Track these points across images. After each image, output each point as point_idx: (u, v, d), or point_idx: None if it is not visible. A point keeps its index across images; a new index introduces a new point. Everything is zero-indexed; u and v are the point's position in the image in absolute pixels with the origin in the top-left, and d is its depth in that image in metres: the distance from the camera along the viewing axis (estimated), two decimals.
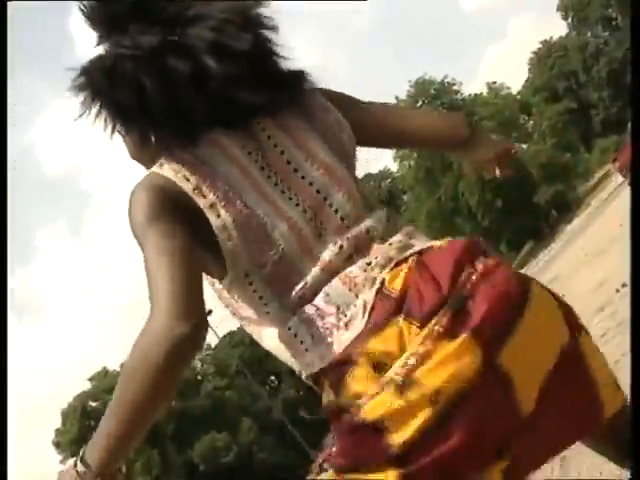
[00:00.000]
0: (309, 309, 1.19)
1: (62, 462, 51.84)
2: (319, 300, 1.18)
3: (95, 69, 1.23)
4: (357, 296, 1.16)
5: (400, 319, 1.10)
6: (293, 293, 1.20)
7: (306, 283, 1.20)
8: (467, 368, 1.05)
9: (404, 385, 1.05)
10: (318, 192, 1.25)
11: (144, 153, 1.32)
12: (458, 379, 1.04)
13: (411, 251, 1.19)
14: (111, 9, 1.26)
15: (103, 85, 1.21)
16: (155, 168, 1.23)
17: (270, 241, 1.20)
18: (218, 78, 1.21)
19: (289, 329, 1.19)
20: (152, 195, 1.19)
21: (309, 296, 1.19)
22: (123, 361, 1.36)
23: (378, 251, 1.20)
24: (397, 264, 1.17)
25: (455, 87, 46.76)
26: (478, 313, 1.08)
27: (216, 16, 1.23)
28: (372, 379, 1.08)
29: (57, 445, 51.93)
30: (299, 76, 1.32)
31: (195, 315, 1.08)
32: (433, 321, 1.07)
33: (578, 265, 12.59)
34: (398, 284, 1.13)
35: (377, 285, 1.15)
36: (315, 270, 1.20)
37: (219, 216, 1.18)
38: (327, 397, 1.16)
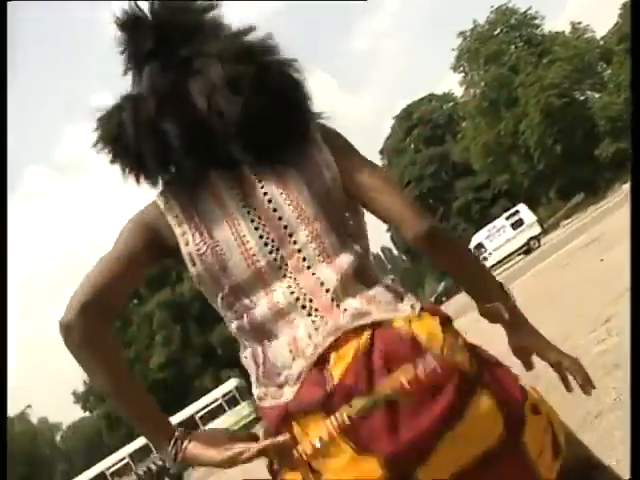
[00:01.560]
0: (256, 350, 1.26)
1: None
2: (270, 351, 1.25)
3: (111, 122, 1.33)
4: (294, 359, 1.22)
5: (321, 415, 1.16)
6: (245, 320, 1.27)
7: (255, 316, 1.27)
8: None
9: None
10: (285, 227, 1.30)
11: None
12: None
13: (362, 322, 1.20)
14: (132, 46, 1.34)
15: (125, 139, 1.31)
16: (151, 203, 1.37)
17: (226, 270, 1.28)
18: (225, 124, 1.29)
19: (245, 357, 1.29)
20: (137, 230, 1.35)
21: (259, 328, 1.26)
22: None
23: (328, 312, 1.23)
24: (345, 336, 1.19)
25: (537, 21, 44.65)
26: (400, 435, 1.12)
27: (226, 57, 1.31)
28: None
29: None
30: (304, 124, 1.36)
31: (72, 313, 1.24)
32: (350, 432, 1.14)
33: (626, 228, 12.33)
34: (337, 373, 1.17)
35: (314, 358, 1.20)
36: (263, 306, 1.26)
37: (187, 244, 1.30)
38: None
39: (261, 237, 1.30)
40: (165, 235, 1.32)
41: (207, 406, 31.52)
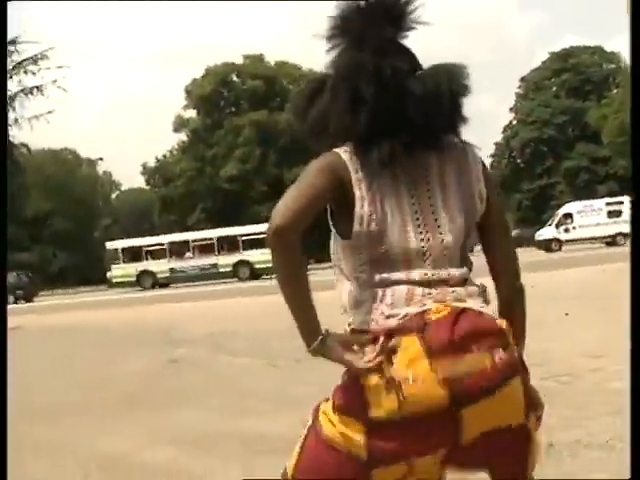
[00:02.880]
0: (377, 292, 1.61)
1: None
2: (388, 294, 1.59)
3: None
4: (407, 305, 1.55)
5: (417, 337, 1.52)
6: (377, 277, 1.62)
7: (390, 279, 1.61)
8: (436, 398, 1.48)
9: (392, 384, 1.51)
10: (438, 227, 1.60)
11: (328, 139, 1.65)
12: (426, 399, 1.49)
13: (461, 304, 1.56)
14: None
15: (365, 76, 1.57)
16: (339, 150, 1.63)
17: (383, 241, 1.61)
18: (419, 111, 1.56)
19: (369, 293, 1.62)
20: (328, 163, 1.60)
21: (386, 284, 1.61)
22: None
23: (442, 291, 1.59)
24: (445, 306, 1.56)
25: None
26: (469, 382, 1.48)
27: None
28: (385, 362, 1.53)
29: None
30: (457, 126, 1.63)
31: (284, 227, 1.53)
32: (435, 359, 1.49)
33: None
34: (434, 317, 1.52)
35: (422, 309, 1.55)
36: (400, 275, 1.60)
37: (362, 207, 1.59)
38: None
39: (418, 226, 1.59)
40: (345, 187, 1.57)
41: (254, 234, 32.73)
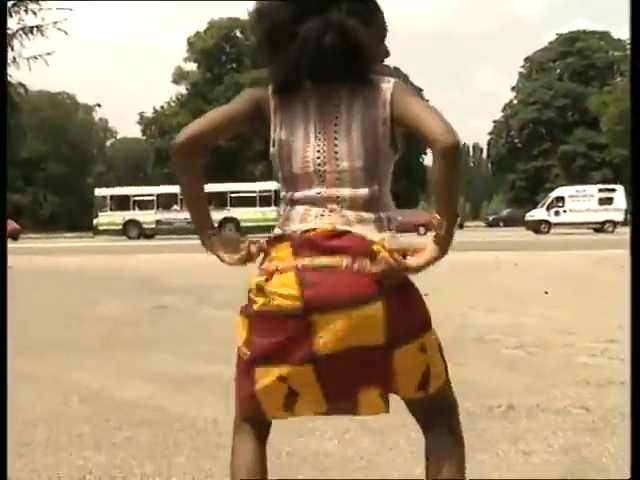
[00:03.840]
0: (285, 209, 1.85)
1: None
2: (289, 211, 1.82)
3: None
4: (301, 222, 1.76)
5: (289, 243, 1.74)
6: (288, 194, 1.84)
7: (295, 197, 1.82)
8: (290, 299, 1.69)
9: (263, 282, 1.74)
10: (336, 153, 1.79)
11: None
12: (284, 300, 1.69)
13: (347, 228, 1.73)
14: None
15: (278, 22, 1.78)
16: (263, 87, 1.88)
17: (289, 162, 1.82)
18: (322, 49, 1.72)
19: (282, 209, 1.89)
20: (253, 93, 1.87)
21: (294, 202, 1.82)
22: None
23: (334, 215, 1.76)
24: (332, 227, 1.74)
25: None
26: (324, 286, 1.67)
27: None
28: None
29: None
30: (364, 65, 1.78)
31: (189, 131, 1.82)
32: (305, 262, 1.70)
33: None
34: (313, 230, 1.73)
35: (309, 227, 1.74)
36: (302, 194, 1.80)
37: (275, 131, 1.83)
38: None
39: (318, 151, 1.78)
40: (265, 113, 1.82)
41: (243, 192, 32.78)
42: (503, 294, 8.78)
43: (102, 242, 30.11)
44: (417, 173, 56.16)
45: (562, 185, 40.19)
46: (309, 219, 1.76)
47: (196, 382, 4.27)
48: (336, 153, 1.78)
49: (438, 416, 1.83)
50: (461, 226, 48.80)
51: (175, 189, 35.25)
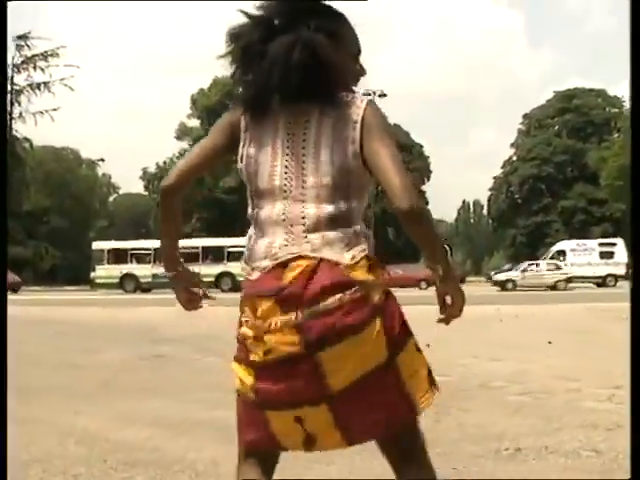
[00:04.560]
0: (251, 238, 1.83)
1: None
2: (254, 245, 1.79)
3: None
4: (265, 258, 1.74)
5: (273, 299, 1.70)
6: (254, 212, 1.83)
7: (259, 216, 1.81)
8: (291, 343, 1.66)
9: (257, 335, 1.71)
10: (303, 169, 1.76)
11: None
12: (283, 345, 1.67)
13: (315, 254, 1.70)
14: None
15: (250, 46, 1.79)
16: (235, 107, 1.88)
17: (257, 176, 1.81)
18: (294, 66, 1.73)
19: (249, 236, 1.85)
20: (226, 117, 1.87)
21: (258, 225, 1.81)
22: None
23: (298, 238, 1.73)
24: (301, 257, 1.71)
25: None
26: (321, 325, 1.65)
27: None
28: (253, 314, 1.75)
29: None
30: (332, 84, 1.78)
31: (167, 181, 1.86)
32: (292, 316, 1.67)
33: None
34: (289, 277, 1.69)
35: (275, 263, 1.73)
36: (265, 213, 1.79)
37: (244, 147, 1.83)
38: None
39: (286, 166, 1.77)
40: (238, 133, 1.83)
41: (240, 246, 32.82)
42: (505, 344, 8.70)
43: (100, 295, 29.95)
44: None
45: (563, 239, 40.24)
46: (273, 251, 1.74)
47: (196, 426, 4.17)
48: (303, 169, 1.76)
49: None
50: (462, 281, 48.67)
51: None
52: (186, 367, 6.92)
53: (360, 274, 1.69)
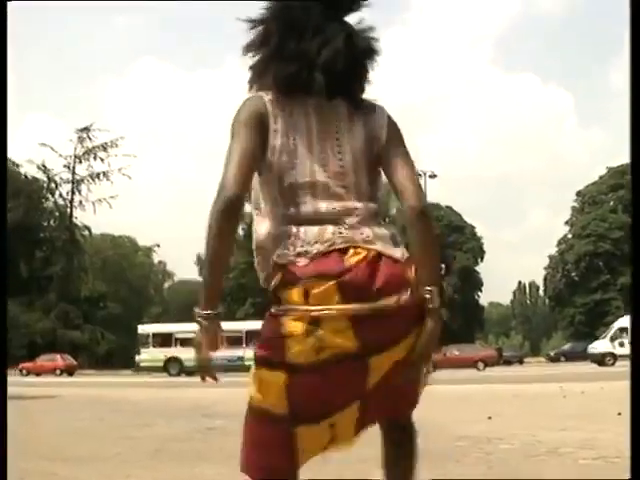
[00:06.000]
0: (291, 229, 1.72)
1: None
2: (302, 230, 1.70)
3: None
4: (316, 243, 1.67)
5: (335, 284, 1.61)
6: (292, 210, 1.74)
7: (300, 211, 1.73)
8: (349, 345, 1.60)
9: (310, 327, 1.60)
10: (341, 167, 1.75)
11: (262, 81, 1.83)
12: (340, 346, 1.59)
13: (370, 246, 1.66)
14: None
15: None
16: (262, 92, 1.80)
17: (292, 173, 1.73)
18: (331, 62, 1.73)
19: (285, 228, 1.74)
20: (251, 112, 1.76)
21: (303, 218, 1.72)
22: None
23: (351, 231, 1.68)
24: (356, 247, 1.65)
25: None
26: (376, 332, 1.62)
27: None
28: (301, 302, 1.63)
29: None
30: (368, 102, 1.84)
31: (231, 191, 1.68)
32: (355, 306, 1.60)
33: None
34: (350, 262, 1.63)
35: (329, 248, 1.66)
36: (309, 208, 1.71)
37: (275, 139, 1.74)
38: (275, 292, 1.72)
39: (323, 165, 1.74)
40: (265, 123, 1.75)
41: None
42: (572, 416, 8.29)
43: (151, 378, 29.91)
44: (473, 311, 55.59)
45: (624, 315, 39.03)
46: (327, 236, 1.67)
47: None
48: (341, 167, 1.76)
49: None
50: (521, 362, 47.31)
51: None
52: (237, 438, 6.74)
53: (410, 274, 1.68)
